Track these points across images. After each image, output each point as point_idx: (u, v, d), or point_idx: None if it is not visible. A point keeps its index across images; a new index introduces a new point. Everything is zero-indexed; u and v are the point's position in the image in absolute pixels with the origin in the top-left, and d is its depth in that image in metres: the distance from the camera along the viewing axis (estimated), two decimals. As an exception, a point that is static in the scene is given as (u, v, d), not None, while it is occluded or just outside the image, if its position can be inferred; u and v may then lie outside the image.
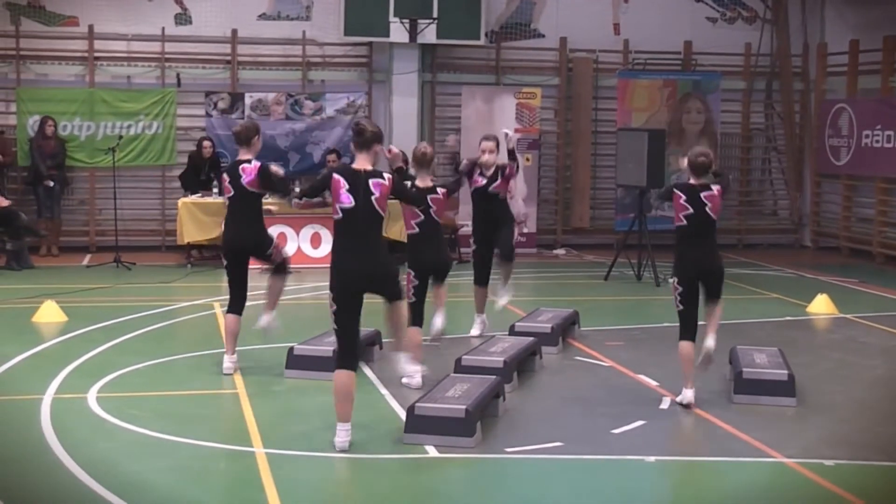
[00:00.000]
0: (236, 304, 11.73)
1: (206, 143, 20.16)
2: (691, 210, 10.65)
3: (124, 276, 18.12)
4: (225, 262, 11.93)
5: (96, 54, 20.98)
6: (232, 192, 11.47)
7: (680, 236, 10.69)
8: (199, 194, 19.53)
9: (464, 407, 9.19)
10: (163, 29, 21.13)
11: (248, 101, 21.27)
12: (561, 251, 21.99)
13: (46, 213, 20.16)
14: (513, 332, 12.71)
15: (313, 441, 9.39)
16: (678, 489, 8.53)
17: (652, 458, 8.98)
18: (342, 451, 9.02)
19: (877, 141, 21.02)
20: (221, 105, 21.20)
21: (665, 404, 10.62)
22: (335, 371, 9.27)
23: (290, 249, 15.94)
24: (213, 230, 18.98)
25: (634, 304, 16.49)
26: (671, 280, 10.81)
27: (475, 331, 13.35)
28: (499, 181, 12.99)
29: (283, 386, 11.21)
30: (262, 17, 21.72)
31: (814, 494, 8.31)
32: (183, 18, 21.46)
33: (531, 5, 22.72)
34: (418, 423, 9.22)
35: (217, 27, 21.42)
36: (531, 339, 12.13)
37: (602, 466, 8.90)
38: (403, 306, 9.77)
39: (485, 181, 13.00)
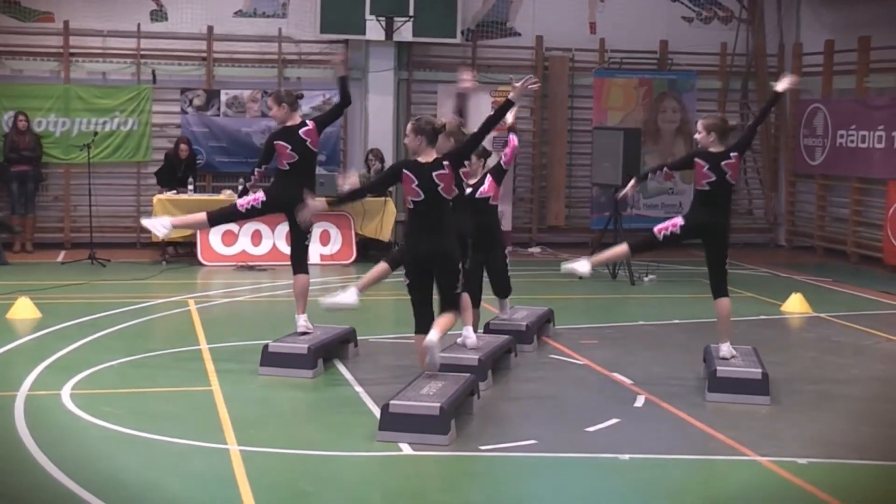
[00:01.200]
0: None
1: (184, 147, 20.14)
2: (714, 177, 11.57)
3: (99, 272, 18.07)
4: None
5: (72, 50, 20.91)
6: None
7: (698, 198, 11.66)
8: (175, 191, 19.49)
9: (438, 405, 9.19)
10: (138, 25, 21.07)
11: (223, 98, 21.25)
12: (536, 249, 22.02)
13: (20, 209, 20.09)
14: (488, 329, 12.70)
15: (287, 438, 9.39)
16: (652, 487, 8.53)
17: (626, 457, 8.99)
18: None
19: (851, 141, 21.09)
20: (197, 102, 21.17)
21: (639, 402, 10.64)
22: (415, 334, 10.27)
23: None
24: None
25: (609, 303, 16.52)
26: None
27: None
28: (486, 184, 12.12)
29: (257, 383, 11.19)
30: (239, 14, 21.68)
31: (787, 493, 8.33)
32: (159, 15, 21.40)
33: (507, 4, 22.74)
34: (392, 421, 9.22)
35: (193, 24, 21.37)
36: (506, 336, 12.14)
37: (576, 464, 8.91)
38: (450, 319, 10.21)
39: (469, 187, 11.86)
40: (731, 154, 11.59)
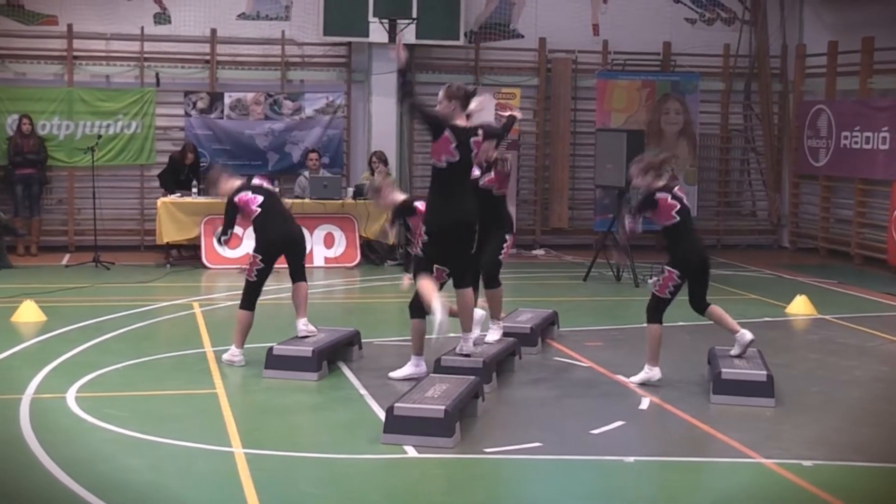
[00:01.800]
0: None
1: (190, 156, 20.16)
2: (679, 205, 11.14)
3: (103, 275, 18.08)
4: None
5: (75, 53, 20.92)
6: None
7: (673, 234, 11.19)
8: (178, 194, 19.51)
9: (443, 407, 9.19)
10: (142, 28, 21.09)
11: (227, 100, 21.25)
12: (540, 252, 22.01)
13: (24, 211, 20.10)
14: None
15: (292, 440, 9.39)
16: (657, 490, 8.54)
17: (631, 459, 8.99)
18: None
19: (855, 142, 21.08)
20: (200, 105, 21.17)
21: (644, 405, 10.64)
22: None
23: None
24: (191, 230, 19.00)
25: (613, 305, 16.51)
26: (664, 274, 10.99)
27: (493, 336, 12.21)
28: (491, 174, 11.93)
29: (262, 386, 11.19)
30: (242, 16, 21.69)
31: (792, 495, 8.33)
32: (162, 18, 21.41)
33: (510, 6, 22.74)
34: (397, 424, 9.22)
35: (196, 27, 21.38)
36: (510, 339, 12.13)
37: (581, 467, 8.91)
38: (469, 294, 10.84)
39: (477, 174, 11.67)
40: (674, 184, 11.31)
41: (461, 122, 10.64)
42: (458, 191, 10.69)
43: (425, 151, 21.47)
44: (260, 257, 11.92)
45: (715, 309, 11.42)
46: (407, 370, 11.20)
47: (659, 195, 11.07)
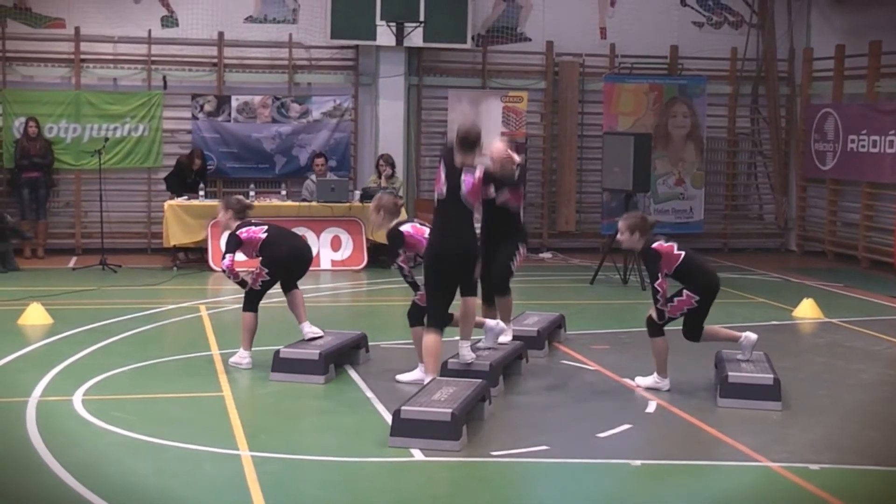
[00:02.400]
0: None
1: (198, 161, 20.18)
2: (675, 243, 11.11)
3: (110, 278, 18.09)
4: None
5: (82, 56, 20.95)
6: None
7: (686, 270, 11.09)
8: (185, 197, 19.51)
9: (450, 410, 9.19)
10: (149, 31, 21.11)
11: (234, 103, 21.26)
12: (547, 255, 22.01)
13: (31, 214, 20.13)
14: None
15: (299, 444, 9.39)
16: (664, 493, 8.53)
17: (638, 462, 8.99)
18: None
19: (862, 146, 21.06)
20: (208, 108, 21.19)
21: (651, 408, 10.63)
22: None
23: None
24: (198, 233, 19.01)
25: (620, 308, 16.50)
26: (681, 297, 11.04)
27: (505, 338, 12.18)
28: (506, 192, 11.76)
29: (269, 388, 11.19)
30: (249, 19, 21.71)
31: (799, 499, 8.32)
32: (169, 21, 21.44)
33: (518, 9, 22.74)
34: (404, 427, 9.21)
35: (203, 30, 21.40)
36: (517, 342, 12.13)
37: (588, 470, 8.90)
38: (471, 302, 10.90)
39: (492, 192, 11.56)
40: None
41: (458, 159, 10.74)
42: (453, 226, 10.78)
43: (432, 154, 21.56)
44: (267, 271, 11.95)
45: (708, 330, 11.32)
46: (416, 374, 11.21)
47: (654, 245, 11.01)
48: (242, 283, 12.13)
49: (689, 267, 11.04)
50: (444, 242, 10.77)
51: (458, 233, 10.75)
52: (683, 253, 10.99)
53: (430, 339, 10.81)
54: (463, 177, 10.68)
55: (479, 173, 10.72)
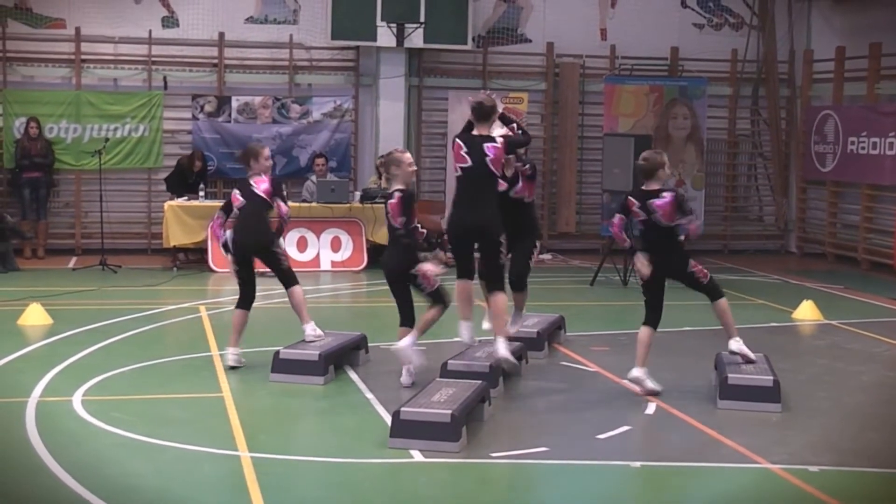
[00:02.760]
0: None
1: (199, 164, 20.20)
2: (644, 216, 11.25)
3: (110, 278, 18.10)
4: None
5: (83, 56, 20.96)
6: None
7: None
8: (186, 198, 19.51)
9: (449, 412, 9.19)
10: (150, 32, 21.12)
11: (234, 104, 21.27)
12: (547, 256, 22.00)
13: (31, 214, 20.14)
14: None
15: (298, 444, 9.40)
16: (663, 495, 8.53)
17: (637, 464, 8.99)
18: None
19: (862, 148, 21.07)
20: (208, 108, 21.19)
21: (651, 409, 10.63)
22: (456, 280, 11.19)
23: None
24: (199, 233, 19.00)
25: (620, 310, 16.48)
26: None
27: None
28: (520, 184, 11.78)
29: (269, 389, 11.19)
30: (250, 20, 21.72)
31: (799, 500, 8.32)
32: (170, 21, 21.44)
33: (518, 10, 22.75)
34: (404, 428, 9.21)
35: (204, 30, 21.40)
36: (517, 343, 12.11)
37: (587, 471, 8.91)
38: (500, 298, 10.99)
39: (505, 185, 11.51)
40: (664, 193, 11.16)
41: (477, 130, 10.97)
42: (474, 197, 10.89)
43: (433, 155, 21.61)
44: (230, 256, 12.07)
45: (720, 304, 11.40)
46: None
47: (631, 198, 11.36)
48: (225, 247, 12.15)
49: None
50: (462, 216, 10.96)
51: (478, 206, 10.86)
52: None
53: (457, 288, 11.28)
54: (485, 146, 10.83)
55: (500, 141, 10.92)
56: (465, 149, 10.84)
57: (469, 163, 10.82)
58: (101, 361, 12.12)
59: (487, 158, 10.78)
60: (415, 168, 11.37)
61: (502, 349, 10.91)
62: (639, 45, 22.79)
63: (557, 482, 8.63)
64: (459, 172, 10.92)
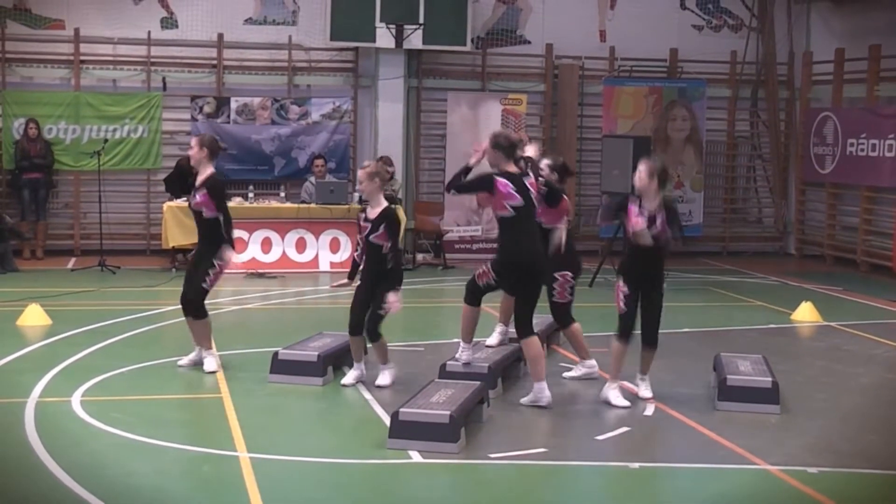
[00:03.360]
0: None
1: None
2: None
3: (109, 279, 18.09)
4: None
5: (82, 57, 20.95)
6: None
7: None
8: (184, 199, 19.49)
9: (448, 413, 9.19)
10: (149, 33, 21.11)
11: (233, 105, 21.26)
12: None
13: (30, 215, 20.14)
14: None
15: (297, 445, 9.39)
16: (662, 496, 8.53)
17: (636, 465, 8.99)
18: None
19: (861, 149, 21.07)
20: (207, 109, 21.18)
21: (649, 411, 10.63)
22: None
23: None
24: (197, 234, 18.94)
25: (619, 311, 16.46)
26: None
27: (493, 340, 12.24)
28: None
29: (267, 390, 11.18)
30: (249, 21, 21.71)
31: (797, 502, 8.32)
32: (169, 22, 21.43)
33: (517, 12, 22.74)
34: (402, 429, 9.21)
35: (203, 31, 21.40)
36: (516, 344, 12.11)
37: (586, 473, 8.91)
38: (531, 343, 10.71)
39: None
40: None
41: (510, 168, 10.65)
42: (527, 234, 10.67)
43: (431, 157, 21.62)
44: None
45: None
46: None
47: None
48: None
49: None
50: (528, 252, 10.67)
51: (536, 241, 10.83)
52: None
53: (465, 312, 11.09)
54: (527, 182, 10.66)
55: (531, 177, 10.85)
56: (513, 187, 10.48)
57: (520, 200, 10.49)
58: (100, 362, 12.12)
59: (532, 195, 10.67)
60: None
61: (545, 395, 10.70)
62: (638, 46, 22.79)
63: (556, 483, 8.63)
64: (510, 212, 10.49)
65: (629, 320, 10.92)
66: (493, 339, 12.03)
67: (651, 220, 10.59)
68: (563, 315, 11.92)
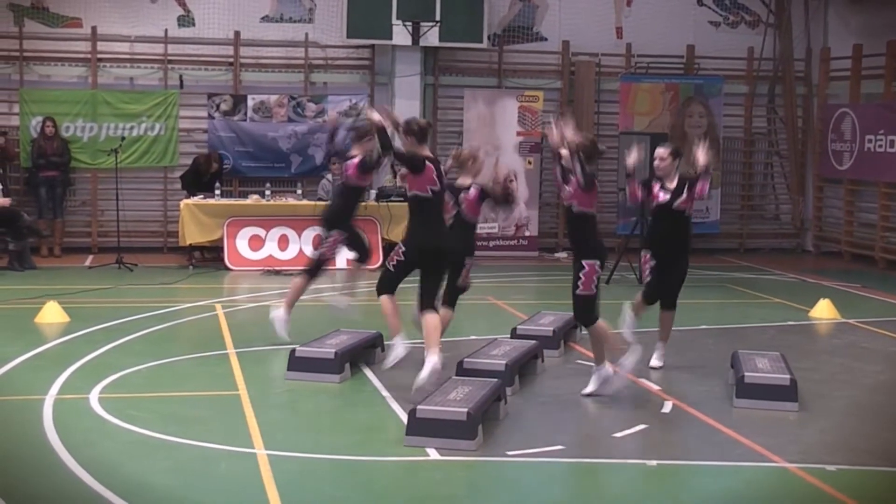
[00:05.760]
0: None
1: (215, 165, 20.27)
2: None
3: (126, 277, 18.13)
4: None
5: (99, 56, 21.01)
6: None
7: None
8: (201, 196, 19.54)
9: (465, 410, 9.18)
10: (165, 31, 21.16)
11: (250, 102, 21.29)
12: (562, 254, 21.97)
13: (48, 213, 20.20)
14: (514, 335, 12.70)
15: (314, 442, 9.39)
16: (680, 493, 8.51)
17: (654, 463, 8.97)
18: None
19: (879, 146, 21.02)
20: (224, 107, 21.22)
21: (667, 408, 10.61)
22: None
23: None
24: (214, 231, 19.03)
25: (636, 308, 16.45)
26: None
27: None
28: (684, 196, 11.67)
29: (285, 387, 11.19)
30: (265, 19, 21.74)
31: (815, 500, 8.30)
32: (186, 20, 21.48)
33: (534, 8, 22.73)
34: (420, 426, 9.20)
35: (220, 29, 21.44)
36: (533, 342, 12.13)
37: (604, 470, 8.90)
38: (428, 318, 10.94)
39: (668, 196, 11.71)
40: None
41: (426, 152, 11.12)
42: (439, 216, 11.25)
43: (448, 154, 21.43)
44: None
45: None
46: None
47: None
48: None
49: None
50: (438, 234, 11.24)
51: (444, 224, 11.44)
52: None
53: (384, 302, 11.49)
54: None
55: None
56: (435, 172, 11.10)
57: (439, 186, 11.13)
58: (117, 359, 12.14)
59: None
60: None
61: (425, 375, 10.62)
62: (655, 43, 22.76)
63: (573, 481, 8.63)
64: (429, 194, 11.06)
65: (653, 288, 11.94)
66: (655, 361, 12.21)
67: (674, 196, 11.63)
68: (588, 310, 11.05)
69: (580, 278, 10.97)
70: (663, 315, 12.07)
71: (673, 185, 11.70)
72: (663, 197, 11.70)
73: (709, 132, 22.25)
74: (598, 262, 11.11)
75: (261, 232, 18.98)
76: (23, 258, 18.60)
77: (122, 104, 20.97)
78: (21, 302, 15.46)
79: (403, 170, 11.85)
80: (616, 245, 20.84)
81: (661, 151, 11.88)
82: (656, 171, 11.86)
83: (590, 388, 11.01)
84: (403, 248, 11.16)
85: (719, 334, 14.04)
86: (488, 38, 21.67)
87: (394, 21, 20.64)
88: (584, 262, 11.05)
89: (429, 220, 11.06)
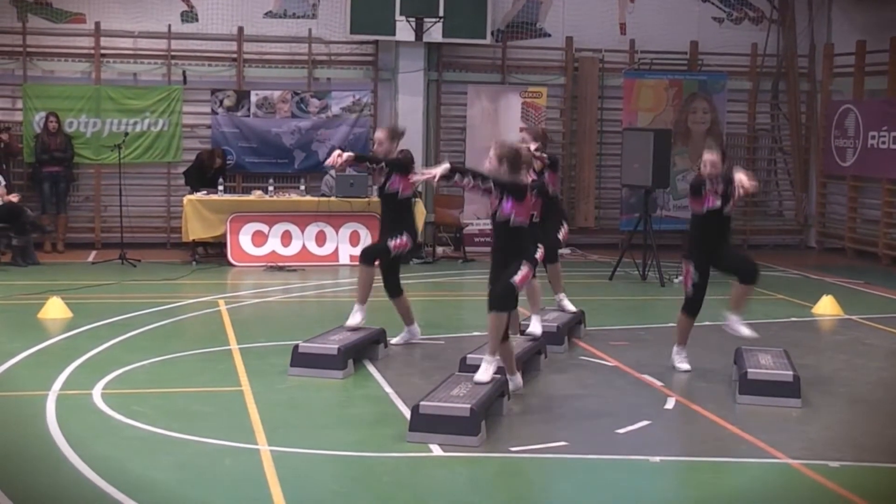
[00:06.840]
0: None
1: (219, 161, 20.28)
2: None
3: (129, 272, 18.13)
4: None
5: (103, 51, 21.00)
6: None
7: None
8: (204, 192, 19.54)
9: (468, 406, 9.18)
10: (169, 26, 21.15)
11: (253, 98, 21.28)
12: (566, 251, 21.95)
13: (51, 209, 20.20)
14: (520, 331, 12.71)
15: (317, 438, 9.39)
16: (683, 490, 8.51)
17: (657, 459, 8.97)
18: None
19: (883, 142, 21.00)
20: (227, 103, 21.21)
21: (670, 404, 10.61)
22: None
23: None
24: (218, 227, 19.03)
25: (639, 304, 16.48)
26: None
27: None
28: (731, 201, 11.41)
29: (288, 383, 11.20)
30: (269, 14, 21.72)
31: (818, 496, 8.30)
32: (189, 16, 21.47)
33: (537, 4, 22.71)
34: (423, 422, 9.21)
35: (223, 25, 21.43)
36: (536, 338, 12.13)
37: (607, 466, 8.89)
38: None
39: (719, 202, 11.31)
40: None
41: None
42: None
43: (451, 150, 21.54)
44: None
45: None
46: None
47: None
48: None
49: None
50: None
51: None
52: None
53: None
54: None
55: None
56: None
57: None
58: (120, 355, 12.15)
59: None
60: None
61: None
62: (658, 39, 22.75)
63: (577, 477, 8.62)
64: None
65: (696, 301, 11.64)
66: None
67: (724, 199, 11.30)
68: (511, 296, 10.29)
69: (521, 270, 10.20)
70: (744, 289, 11.66)
71: (721, 188, 11.26)
72: (714, 202, 11.27)
73: (712, 129, 22.27)
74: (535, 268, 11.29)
75: (264, 228, 18.99)
76: (26, 254, 18.60)
77: (125, 100, 20.96)
78: (24, 297, 15.46)
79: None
80: (620, 241, 20.87)
81: (711, 158, 11.28)
82: (707, 177, 11.33)
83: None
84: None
85: (722, 330, 14.00)
86: (492, 33, 21.66)
87: (397, 17, 20.63)
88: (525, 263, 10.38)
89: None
